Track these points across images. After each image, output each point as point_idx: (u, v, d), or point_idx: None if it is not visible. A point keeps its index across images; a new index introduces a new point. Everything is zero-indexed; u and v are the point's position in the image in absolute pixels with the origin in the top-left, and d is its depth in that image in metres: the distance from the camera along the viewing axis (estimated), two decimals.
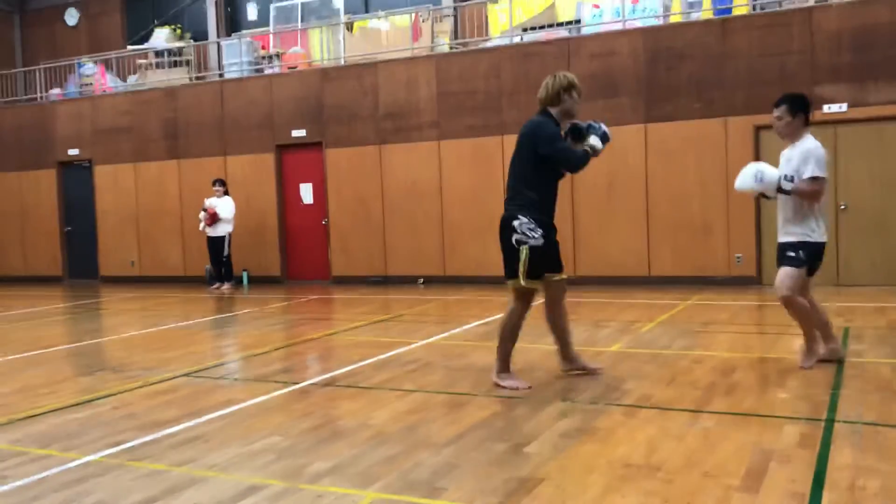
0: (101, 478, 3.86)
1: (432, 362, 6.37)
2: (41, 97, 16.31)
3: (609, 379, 5.52)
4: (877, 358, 5.93)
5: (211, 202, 13.07)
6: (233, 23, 16.48)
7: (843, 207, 10.31)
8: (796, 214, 5.38)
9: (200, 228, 13.25)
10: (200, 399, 5.41)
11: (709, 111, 10.69)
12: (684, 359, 6.11)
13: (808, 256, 5.39)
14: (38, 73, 16.51)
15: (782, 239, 5.48)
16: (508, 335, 5.27)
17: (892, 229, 10.10)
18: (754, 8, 11.33)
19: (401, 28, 13.61)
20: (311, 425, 4.65)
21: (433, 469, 3.80)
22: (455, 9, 13.94)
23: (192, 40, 16.06)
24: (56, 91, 16.34)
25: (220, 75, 14.91)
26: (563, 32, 12.32)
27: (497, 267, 12.88)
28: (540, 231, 5.05)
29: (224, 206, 13.06)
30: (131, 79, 15.84)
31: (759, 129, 10.62)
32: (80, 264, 15.65)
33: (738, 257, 10.77)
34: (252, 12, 16.24)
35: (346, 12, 14.90)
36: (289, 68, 14.26)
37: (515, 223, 5.06)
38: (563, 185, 11.52)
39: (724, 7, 11.37)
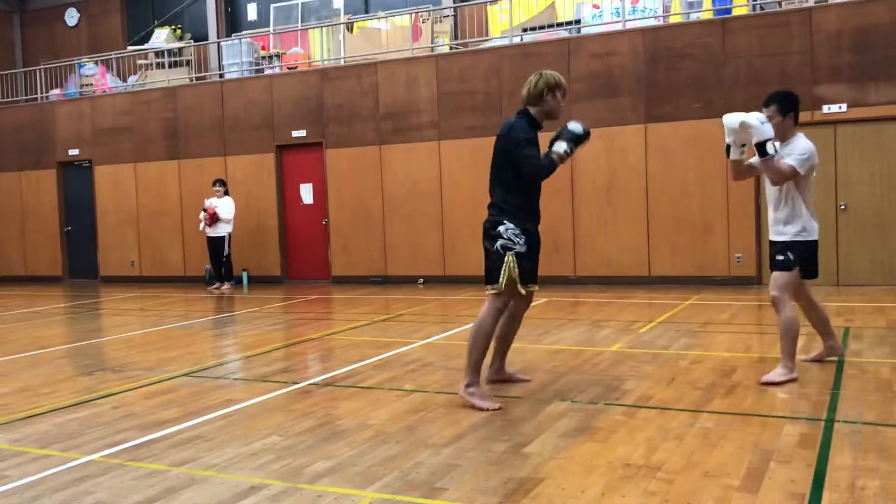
0: (101, 478, 3.86)
1: (432, 362, 6.37)
2: (41, 97, 16.31)
3: (609, 379, 5.52)
4: (876, 358, 5.93)
5: (211, 202, 13.07)
6: (233, 23, 16.48)
7: (842, 207, 10.31)
8: (789, 212, 5.26)
9: (200, 228, 13.25)
10: (200, 399, 5.41)
11: (709, 111, 10.69)
12: (684, 359, 6.11)
13: (800, 257, 5.25)
14: (38, 74, 16.51)
15: (774, 238, 5.37)
16: (481, 342, 4.93)
17: (892, 229, 10.10)
18: (754, 8, 11.33)
19: (401, 28, 13.61)
20: (311, 425, 4.65)
21: (433, 469, 3.80)
22: (455, 9, 13.95)
23: (192, 41, 16.07)
24: (56, 91, 16.34)
25: (221, 76, 14.91)
26: (562, 33, 12.32)
27: None
28: (524, 238, 4.88)
29: (224, 207, 13.06)
30: (131, 79, 15.84)
31: None
32: (80, 264, 15.66)
33: (738, 257, 10.77)
34: (252, 12, 16.24)
35: (346, 12, 14.90)
36: (289, 68, 14.27)
37: (501, 228, 4.87)
38: (564, 185, 11.68)
39: (723, 7, 11.37)
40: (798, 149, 5.21)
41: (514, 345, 6.92)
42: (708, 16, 11.44)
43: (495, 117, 11.90)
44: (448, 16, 13.92)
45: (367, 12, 15.03)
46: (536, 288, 5.10)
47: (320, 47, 14.50)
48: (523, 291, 4.91)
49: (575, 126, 4.98)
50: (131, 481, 3.79)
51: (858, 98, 10.15)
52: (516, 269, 4.84)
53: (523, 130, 4.91)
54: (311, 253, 13.65)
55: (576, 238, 11.60)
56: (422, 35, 13.45)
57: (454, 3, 14.00)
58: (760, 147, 5.05)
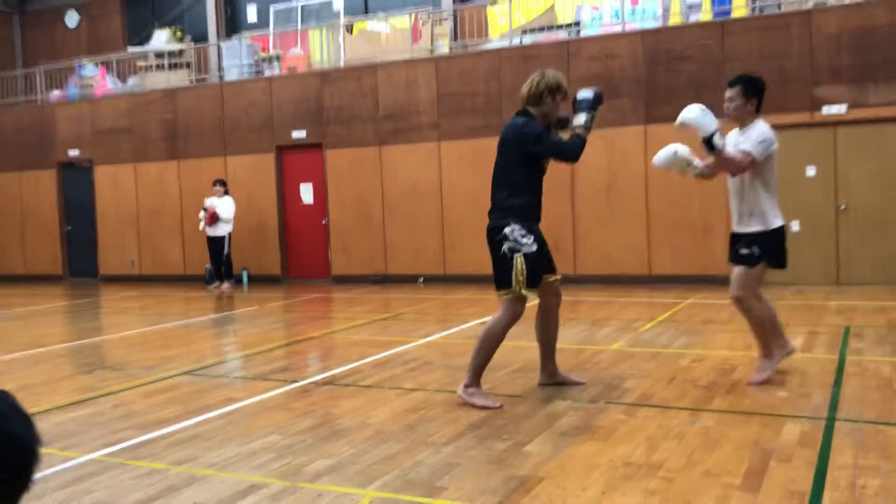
0: (101, 476, 3.85)
1: (432, 361, 6.37)
2: (41, 99, 16.31)
3: (609, 378, 5.52)
4: (877, 356, 5.93)
5: (211, 202, 13.07)
6: (233, 25, 16.48)
7: (842, 208, 10.31)
8: (752, 204, 5.04)
9: (200, 228, 13.25)
10: (200, 397, 5.40)
11: None
12: (684, 357, 6.10)
13: (765, 250, 5.04)
14: (38, 75, 16.51)
15: (738, 230, 5.14)
16: (490, 345, 4.89)
17: (892, 229, 10.10)
18: (753, 10, 11.33)
19: (400, 30, 13.62)
20: (311, 424, 4.64)
21: (433, 468, 3.79)
22: (454, 11, 13.95)
23: (192, 42, 16.07)
24: (56, 92, 16.34)
25: (220, 77, 14.91)
26: (562, 34, 12.32)
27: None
28: (532, 237, 4.81)
29: (224, 206, 13.06)
30: (131, 80, 15.84)
31: None
32: (80, 264, 15.65)
33: None
34: (252, 14, 16.24)
35: (346, 14, 14.90)
36: (288, 70, 14.27)
37: (507, 230, 4.79)
38: (563, 184, 11.69)
39: (723, 9, 11.38)
40: (755, 134, 4.98)
41: (515, 343, 6.94)
42: (707, 18, 11.45)
43: (495, 119, 11.90)
44: (448, 18, 13.92)
45: (366, 14, 15.03)
46: (559, 277, 5.13)
47: (320, 49, 14.50)
48: (528, 294, 4.82)
49: (585, 93, 4.95)
50: (131, 480, 3.79)
51: (858, 99, 10.15)
52: (524, 272, 4.75)
53: (534, 126, 4.88)
54: (312, 252, 13.65)
55: (576, 237, 11.60)
56: (421, 37, 13.45)
57: (454, 4, 14.01)
58: (707, 142, 4.84)
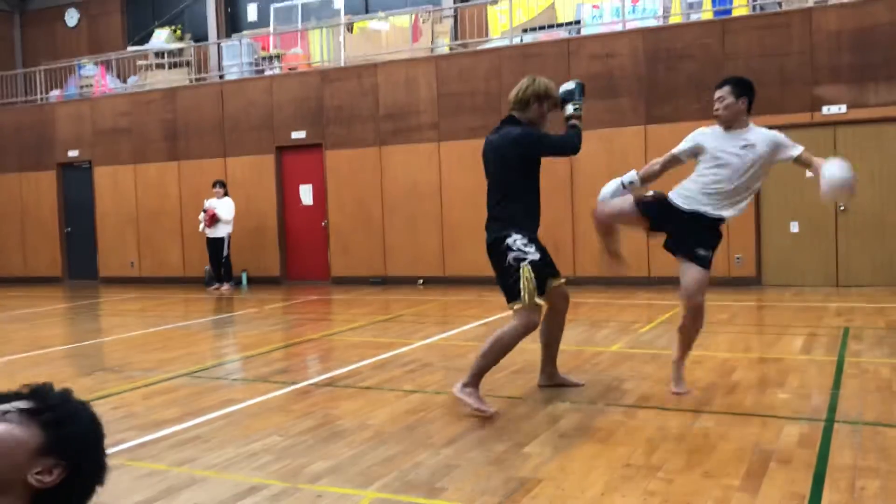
0: None
1: (432, 362, 6.37)
2: (41, 98, 16.31)
3: (609, 379, 5.52)
4: (876, 358, 5.93)
5: (211, 203, 13.08)
6: (233, 24, 16.49)
7: (842, 208, 10.31)
8: (739, 208, 4.82)
9: (200, 229, 13.26)
10: (200, 399, 5.41)
11: (709, 112, 10.49)
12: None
13: (714, 247, 4.89)
14: (38, 75, 16.50)
15: (710, 212, 4.83)
16: (499, 352, 4.77)
17: (892, 229, 10.10)
18: (754, 9, 11.33)
19: (401, 29, 13.61)
20: (311, 425, 4.64)
21: (432, 469, 3.80)
22: (455, 10, 13.95)
23: (192, 41, 16.07)
24: (56, 92, 16.34)
25: (221, 76, 14.91)
26: (562, 33, 12.32)
27: None
28: (534, 245, 4.70)
29: (224, 208, 13.06)
30: (131, 80, 15.84)
31: None
32: (80, 265, 15.65)
33: (738, 258, 10.77)
34: (252, 13, 16.25)
35: (347, 13, 14.90)
36: (289, 69, 14.27)
37: (510, 241, 4.67)
38: (563, 184, 11.69)
39: (723, 8, 11.38)
40: (780, 140, 4.79)
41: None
42: (708, 16, 11.45)
43: (495, 118, 11.82)
44: (448, 16, 13.92)
45: (367, 13, 15.03)
46: (563, 280, 5.05)
47: (320, 48, 14.50)
48: (540, 302, 4.72)
49: (567, 85, 4.90)
50: (131, 481, 3.79)
51: (858, 99, 10.15)
52: (533, 281, 4.64)
53: (531, 130, 4.80)
54: (311, 254, 13.65)
55: (575, 238, 11.59)
56: (422, 36, 13.45)
57: (454, 3, 14.00)
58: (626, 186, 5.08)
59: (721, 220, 4.86)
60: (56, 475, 1.59)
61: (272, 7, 15.53)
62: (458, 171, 12.24)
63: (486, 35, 13.32)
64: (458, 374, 5.85)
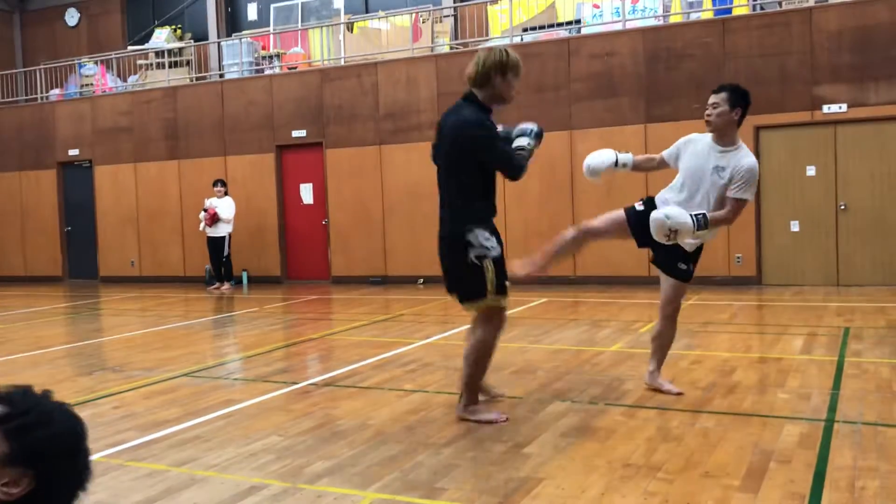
0: (101, 478, 3.85)
1: (432, 362, 6.37)
2: (41, 97, 16.31)
3: (609, 379, 5.52)
4: (876, 358, 5.93)
5: (212, 202, 13.08)
6: (233, 23, 16.48)
7: (842, 207, 10.31)
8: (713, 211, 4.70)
9: (200, 228, 13.26)
10: (200, 399, 5.41)
11: None
12: (684, 359, 6.10)
13: (695, 262, 4.86)
14: (38, 74, 16.51)
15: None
16: (482, 363, 4.48)
17: (892, 229, 10.10)
18: (754, 8, 11.33)
19: (401, 28, 13.61)
20: (311, 425, 4.65)
21: (433, 469, 3.80)
22: (455, 9, 13.94)
23: (192, 40, 16.07)
24: (56, 91, 16.34)
25: (221, 76, 14.91)
26: (562, 33, 12.32)
27: None
28: (494, 239, 4.34)
29: (225, 207, 13.07)
30: (131, 79, 15.84)
31: (758, 129, 10.62)
32: (80, 264, 15.65)
33: (738, 257, 10.77)
34: (252, 12, 16.24)
35: (347, 12, 14.90)
36: (289, 69, 14.27)
37: (470, 237, 4.27)
38: (563, 185, 11.69)
39: (724, 7, 11.37)
40: (754, 178, 4.64)
41: (517, 344, 6.94)
42: (708, 16, 11.44)
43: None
44: (448, 16, 13.92)
45: (367, 12, 15.03)
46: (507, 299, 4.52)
47: (320, 47, 14.50)
48: (503, 304, 4.38)
49: (528, 124, 4.57)
50: (131, 481, 3.79)
51: (858, 98, 10.15)
52: (495, 278, 4.30)
53: (479, 124, 4.33)
54: (311, 253, 13.65)
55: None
56: (422, 35, 13.45)
57: (454, 3, 14.00)
58: (699, 231, 4.53)
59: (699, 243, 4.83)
60: (24, 486, 1.50)
61: (272, 6, 15.53)
62: None
63: (486, 35, 13.32)
64: (457, 374, 5.85)
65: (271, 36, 15.01)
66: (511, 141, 4.49)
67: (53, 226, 15.81)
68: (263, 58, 14.75)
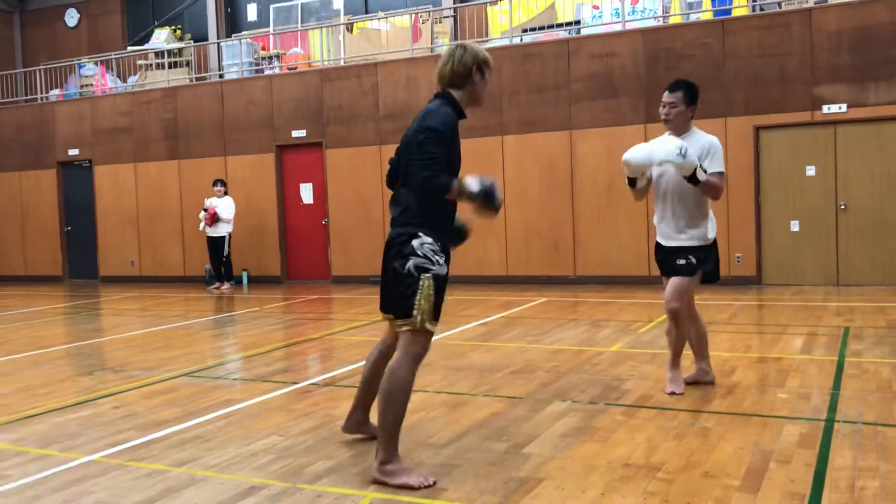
0: (101, 478, 3.86)
1: (432, 362, 6.36)
2: (41, 97, 16.31)
3: (609, 379, 5.52)
4: (876, 358, 5.93)
5: (212, 202, 13.08)
6: (233, 23, 16.49)
7: (842, 207, 10.31)
8: (693, 216, 4.85)
9: (200, 228, 13.27)
10: (200, 399, 5.41)
11: (708, 111, 10.66)
12: (684, 359, 6.06)
13: (700, 262, 4.89)
14: (38, 74, 16.51)
15: (672, 243, 4.92)
16: (401, 397, 3.66)
17: (892, 229, 10.11)
18: (754, 9, 11.33)
19: (400, 29, 13.62)
20: (311, 425, 4.65)
21: (433, 469, 3.80)
22: (455, 10, 13.95)
23: (191, 41, 16.07)
24: (56, 91, 16.34)
25: (220, 76, 14.91)
26: (562, 33, 12.32)
27: (497, 266, 12.81)
28: (443, 256, 3.73)
29: (225, 207, 13.07)
30: (131, 79, 15.85)
31: (758, 129, 10.64)
32: (80, 264, 15.66)
33: (738, 257, 10.78)
34: (252, 13, 16.25)
35: (346, 13, 14.91)
36: (289, 69, 14.27)
37: (415, 243, 3.66)
38: (563, 185, 11.69)
39: (723, 8, 11.38)
40: (713, 149, 4.82)
41: (517, 344, 6.94)
42: (708, 16, 11.45)
43: (495, 118, 11.91)
44: (448, 16, 13.92)
45: (366, 13, 15.03)
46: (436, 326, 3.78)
47: (320, 48, 14.51)
48: (433, 329, 3.70)
49: (490, 183, 3.72)
50: (131, 481, 3.79)
51: (858, 98, 10.15)
52: (432, 299, 3.65)
53: (442, 122, 3.71)
54: (311, 253, 13.65)
55: (576, 238, 11.60)
56: (422, 36, 13.45)
57: (454, 3, 14.00)
58: (692, 179, 4.65)
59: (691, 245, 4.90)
60: None
61: (272, 7, 15.54)
62: (459, 171, 12.23)
63: (486, 35, 13.32)
64: (458, 373, 5.86)
65: (271, 36, 15.02)
66: (464, 230, 4.06)
67: (53, 226, 15.81)
68: (263, 58, 14.76)
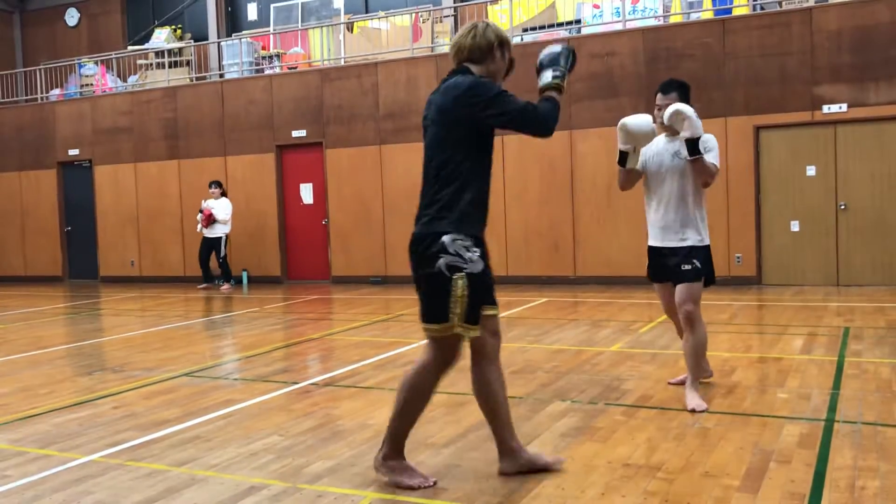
0: (101, 478, 3.86)
1: None
2: (41, 97, 16.31)
3: (609, 379, 5.52)
4: (876, 358, 5.93)
5: (208, 203, 13.08)
6: (233, 23, 16.49)
7: (842, 207, 10.31)
8: (693, 217, 4.77)
9: (198, 230, 13.28)
10: (200, 399, 5.41)
11: (709, 111, 10.68)
12: (684, 359, 6.09)
13: (704, 263, 4.79)
14: (38, 74, 16.51)
15: (669, 244, 4.81)
16: (416, 403, 3.55)
17: (892, 229, 10.10)
18: (754, 8, 11.33)
19: (401, 28, 13.61)
20: (311, 425, 4.65)
21: (433, 469, 3.80)
22: (455, 9, 13.95)
23: (192, 41, 16.07)
24: (56, 91, 16.34)
25: (221, 75, 14.91)
26: (562, 32, 12.32)
27: (497, 266, 12.85)
28: (477, 251, 3.46)
29: (221, 208, 13.07)
30: (131, 79, 15.85)
31: (758, 128, 10.63)
32: (80, 264, 15.66)
33: (738, 257, 10.77)
34: (252, 12, 16.25)
35: (347, 12, 14.91)
36: (289, 68, 14.27)
37: (446, 239, 3.42)
38: (563, 185, 11.70)
39: (724, 7, 11.37)
40: (710, 144, 4.70)
41: (518, 344, 6.95)
42: (708, 16, 11.44)
43: None
44: (448, 16, 13.92)
45: (367, 12, 15.03)
46: (497, 312, 3.64)
47: (320, 47, 14.51)
48: (467, 334, 3.46)
49: (550, 49, 3.78)
50: (131, 481, 3.79)
51: (858, 98, 10.15)
52: (467, 301, 3.40)
53: (488, 84, 3.50)
54: (311, 253, 13.65)
55: (576, 238, 11.60)
56: (422, 35, 13.45)
57: (454, 3, 14.00)
58: (694, 144, 4.53)
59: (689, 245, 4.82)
60: None
61: (272, 6, 15.54)
62: None
63: None
64: (458, 374, 5.84)
65: (271, 36, 15.02)
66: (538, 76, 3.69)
67: (53, 226, 15.81)
68: (263, 58, 14.76)
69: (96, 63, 16.21)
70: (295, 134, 13.49)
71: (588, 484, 3.53)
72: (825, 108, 10.27)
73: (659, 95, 4.89)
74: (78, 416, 5.04)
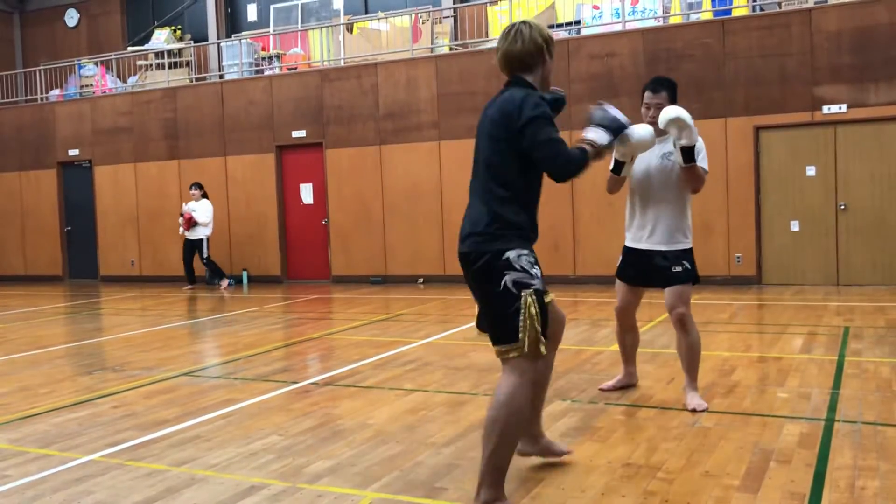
0: (101, 477, 3.86)
1: (432, 362, 6.37)
2: (41, 97, 16.31)
3: (609, 379, 5.51)
4: (876, 357, 5.93)
5: (188, 206, 13.09)
6: (233, 24, 16.49)
7: (842, 207, 10.31)
8: (678, 218, 4.75)
9: (180, 233, 13.32)
10: (200, 398, 5.41)
11: (708, 111, 10.69)
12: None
13: (691, 263, 4.75)
14: (38, 74, 16.52)
15: (659, 247, 4.73)
16: (514, 430, 3.24)
17: (892, 229, 10.11)
18: (754, 9, 11.33)
19: (400, 29, 13.62)
20: (311, 425, 4.65)
21: (433, 469, 3.80)
22: (455, 10, 13.95)
23: (191, 41, 16.07)
24: (56, 92, 16.34)
25: (220, 76, 14.91)
26: (562, 33, 12.32)
27: None
28: (538, 267, 3.30)
29: (202, 211, 13.06)
30: (131, 80, 15.85)
31: (758, 129, 10.64)
32: (80, 264, 15.66)
33: (738, 257, 10.78)
34: (252, 13, 16.25)
35: (346, 13, 14.91)
36: (289, 69, 14.27)
37: (511, 255, 3.21)
38: (563, 184, 11.65)
39: (723, 8, 11.38)
40: (704, 150, 4.72)
41: None
42: (708, 16, 11.45)
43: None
44: (448, 17, 13.92)
45: (366, 13, 15.03)
46: (552, 296, 3.58)
47: (320, 48, 14.51)
48: (544, 349, 3.26)
49: (613, 111, 3.69)
50: (131, 481, 3.79)
51: (858, 98, 10.15)
52: (539, 317, 3.20)
53: (536, 105, 3.23)
54: (311, 253, 13.65)
55: (576, 237, 11.60)
56: (422, 36, 13.46)
57: (454, 3, 14.00)
58: (689, 152, 4.48)
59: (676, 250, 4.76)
60: None
61: (272, 7, 15.54)
62: (459, 170, 12.23)
63: (486, 35, 13.32)
64: (458, 373, 5.86)
65: (271, 37, 15.02)
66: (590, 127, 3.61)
67: (53, 226, 15.81)
68: (263, 58, 14.76)
69: (96, 64, 16.21)
70: (295, 134, 13.50)
71: (588, 484, 3.53)
72: (825, 109, 10.28)
73: (648, 94, 4.77)
74: (78, 416, 5.04)
